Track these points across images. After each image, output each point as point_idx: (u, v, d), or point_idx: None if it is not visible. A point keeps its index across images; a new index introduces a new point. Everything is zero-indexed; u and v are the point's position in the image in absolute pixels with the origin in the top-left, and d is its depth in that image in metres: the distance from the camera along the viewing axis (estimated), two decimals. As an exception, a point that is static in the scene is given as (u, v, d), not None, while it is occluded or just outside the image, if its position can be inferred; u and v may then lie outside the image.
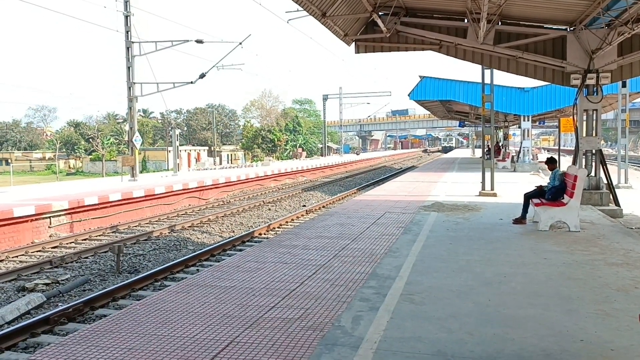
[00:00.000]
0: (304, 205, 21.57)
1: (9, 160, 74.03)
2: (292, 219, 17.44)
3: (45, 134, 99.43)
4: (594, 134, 13.89)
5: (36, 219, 15.03)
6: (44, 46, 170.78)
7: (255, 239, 14.12)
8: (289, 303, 5.71)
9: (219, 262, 10.66)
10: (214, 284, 6.56)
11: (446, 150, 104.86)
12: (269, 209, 20.74)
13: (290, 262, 7.65)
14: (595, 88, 13.73)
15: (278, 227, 16.01)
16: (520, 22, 14.27)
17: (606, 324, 4.98)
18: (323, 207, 20.59)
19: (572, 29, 13.75)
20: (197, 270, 10.74)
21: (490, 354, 4.30)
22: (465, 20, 14.22)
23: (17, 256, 12.84)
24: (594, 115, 13.88)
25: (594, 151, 14.01)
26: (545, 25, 14.28)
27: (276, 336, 4.74)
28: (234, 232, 16.00)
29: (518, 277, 6.65)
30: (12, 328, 7.32)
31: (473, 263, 7.42)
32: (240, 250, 12.44)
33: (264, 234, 14.92)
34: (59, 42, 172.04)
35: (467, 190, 17.33)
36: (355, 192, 25.54)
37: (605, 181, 14.14)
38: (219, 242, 13.62)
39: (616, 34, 12.29)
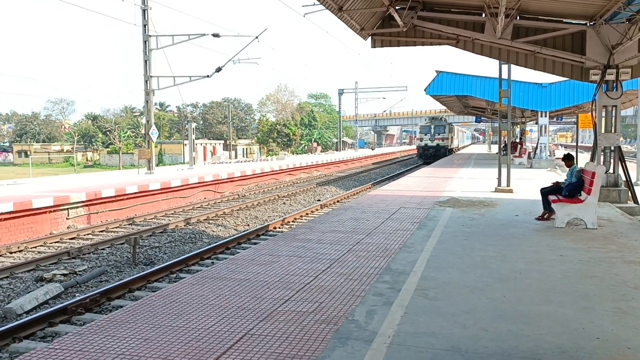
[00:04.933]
0: (319, 200, 21.59)
1: (28, 153, 75.09)
2: (307, 213, 17.48)
3: (63, 127, 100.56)
4: (613, 131, 13.70)
5: (54, 211, 15.23)
6: (62, 39, 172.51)
7: (270, 233, 14.18)
8: (303, 296, 5.73)
9: (233, 255, 10.72)
10: (228, 276, 6.60)
11: (426, 153, 45.65)
12: (284, 203, 20.80)
13: (305, 256, 7.67)
14: (614, 84, 13.52)
15: (293, 221, 16.06)
16: (539, 17, 14.10)
17: (623, 322, 4.93)
18: (338, 201, 20.59)
19: (592, 23, 13.55)
20: (212, 262, 10.83)
21: (504, 350, 4.28)
22: (483, 15, 14.08)
23: (35, 247, 13.03)
24: (613, 111, 13.68)
25: (612, 148, 13.82)
26: (565, 20, 14.09)
27: (290, 329, 4.77)
28: (248, 225, 16.08)
29: (533, 273, 6.60)
30: (30, 317, 7.45)
31: (488, 259, 7.38)
32: (255, 243, 12.51)
33: (279, 228, 14.97)
34: (77, 36, 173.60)
35: (483, 186, 17.22)
36: (370, 187, 25.51)
37: (624, 178, 13.96)
38: (234, 236, 13.70)
39: (637, 29, 12.08)
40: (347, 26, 14.56)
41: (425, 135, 46.51)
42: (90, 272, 10.38)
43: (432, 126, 46.60)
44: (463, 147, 73.07)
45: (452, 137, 50.17)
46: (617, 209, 12.26)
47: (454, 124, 63.18)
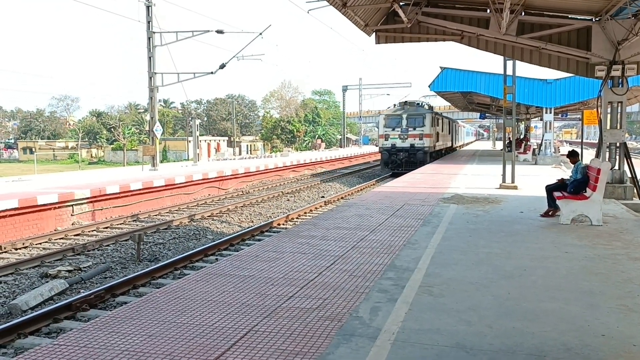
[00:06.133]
0: (323, 197, 21.58)
1: (33, 149, 75.32)
2: (311, 210, 17.47)
3: (68, 124, 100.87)
4: (618, 127, 13.65)
5: (59, 207, 15.26)
6: (66, 36, 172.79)
7: (274, 229, 14.18)
8: (307, 293, 5.73)
9: (238, 251, 10.72)
10: (233, 273, 6.60)
11: (394, 159, 30.45)
12: (288, 200, 20.79)
13: (309, 252, 7.66)
14: (620, 80, 13.47)
15: (297, 218, 16.05)
16: (544, 12, 14.03)
17: (629, 319, 4.90)
18: (341, 198, 20.57)
19: (597, 19, 13.48)
20: (217, 259, 10.84)
21: (509, 347, 4.26)
22: (488, 11, 14.02)
23: (40, 243, 13.07)
24: (619, 107, 13.63)
25: (618, 144, 13.77)
26: (570, 16, 14.02)
27: (294, 326, 4.76)
28: (252, 222, 16.08)
29: (538, 270, 6.58)
30: (35, 313, 7.46)
31: (493, 256, 7.35)
32: (259, 240, 12.50)
33: (283, 225, 14.97)
34: (80, 33, 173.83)
35: (488, 183, 17.17)
36: (374, 184, 25.48)
37: (630, 175, 13.92)
38: (238, 232, 13.70)
39: (643, 25, 12.03)
40: (351, 22, 14.51)
41: (393, 130, 30.19)
42: (95, 268, 10.40)
43: (404, 115, 30.13)
44: (462, 146, 59.94)
45: (438, 134, 33.28)
46: (622, 206, 12.22)
47: (452, 119, 48.17)
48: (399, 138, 30.13)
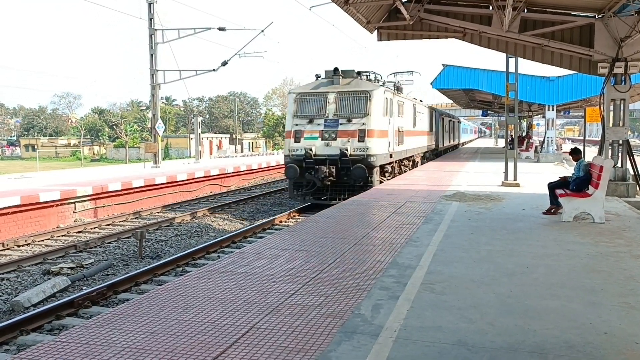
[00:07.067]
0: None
1: (35, 147, 75.46)
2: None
3: (70, 121, 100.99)
4: (621, 124, 13.61)
5: (61, 204, 15.28)
6: (69, 34, 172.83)
7: (276, 227, 14.18)
8: (309, 290, 5.73)
9: (239, 248, 10.73)
10: (234, 270, 6.60)
11: (310, 179, 16.38)
12: (290, 197, 20.77)
13: (311, 249, 7.65)
14: (623, 77, 13.43)
15: (298, 215, 16.04)
16: (547, 9, 13.99)
17: (631, 317, 4.89)
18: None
19: (600, 16, 13.43)
20: (218, 256, 10.85)
21: (511, 344, 4.26)
22: (490, 8, 13.98)
23: (42, 240, 13.09)
24: (622, 105, 13.59)
25: (620, 142, 13.74)
26: (573, 13, 13.97)
27: (296, 323, 4.76)
28: (255, 219, 16.08)
29: (540, 268, 6.57)
30: (38, 310, 7.49)
31: (495, 253, 7.34)
32: (261, 237, 12.49)
33: (285, 222, 14.97)
34: (83, 31, 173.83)
35: (490, 180, 17.14)
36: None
37: (632, 172, 13.87)
38: (240, 229, 13.71)
39: (646, 22, 11.98)
40: (353, 19, 14.49)
41: (310, 122, 16.93)
42: (97, 265, 10.42)
43: (332, 96, 16.99)
44: (458, 145, 49.53)
45: (400, 130, 19.96)
46: (625, 203, 12.19)
47: (439, 109, 35.57)
48: (320, 138, 16.75)
